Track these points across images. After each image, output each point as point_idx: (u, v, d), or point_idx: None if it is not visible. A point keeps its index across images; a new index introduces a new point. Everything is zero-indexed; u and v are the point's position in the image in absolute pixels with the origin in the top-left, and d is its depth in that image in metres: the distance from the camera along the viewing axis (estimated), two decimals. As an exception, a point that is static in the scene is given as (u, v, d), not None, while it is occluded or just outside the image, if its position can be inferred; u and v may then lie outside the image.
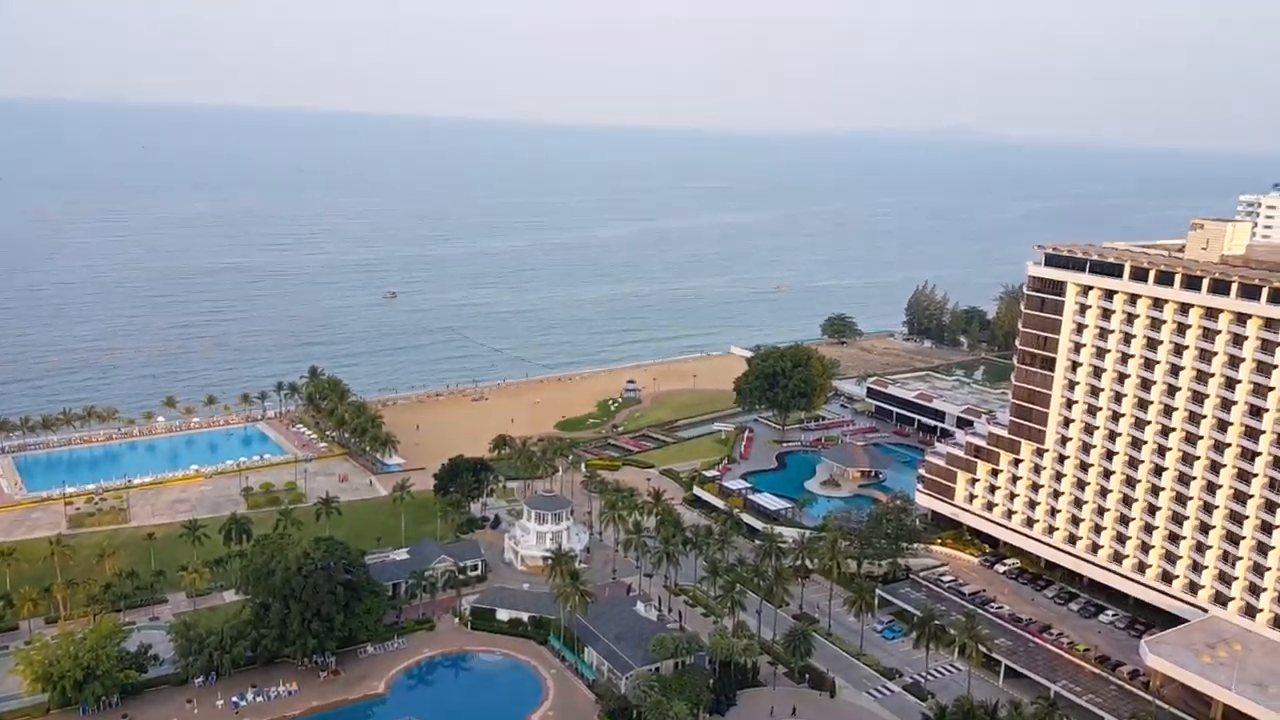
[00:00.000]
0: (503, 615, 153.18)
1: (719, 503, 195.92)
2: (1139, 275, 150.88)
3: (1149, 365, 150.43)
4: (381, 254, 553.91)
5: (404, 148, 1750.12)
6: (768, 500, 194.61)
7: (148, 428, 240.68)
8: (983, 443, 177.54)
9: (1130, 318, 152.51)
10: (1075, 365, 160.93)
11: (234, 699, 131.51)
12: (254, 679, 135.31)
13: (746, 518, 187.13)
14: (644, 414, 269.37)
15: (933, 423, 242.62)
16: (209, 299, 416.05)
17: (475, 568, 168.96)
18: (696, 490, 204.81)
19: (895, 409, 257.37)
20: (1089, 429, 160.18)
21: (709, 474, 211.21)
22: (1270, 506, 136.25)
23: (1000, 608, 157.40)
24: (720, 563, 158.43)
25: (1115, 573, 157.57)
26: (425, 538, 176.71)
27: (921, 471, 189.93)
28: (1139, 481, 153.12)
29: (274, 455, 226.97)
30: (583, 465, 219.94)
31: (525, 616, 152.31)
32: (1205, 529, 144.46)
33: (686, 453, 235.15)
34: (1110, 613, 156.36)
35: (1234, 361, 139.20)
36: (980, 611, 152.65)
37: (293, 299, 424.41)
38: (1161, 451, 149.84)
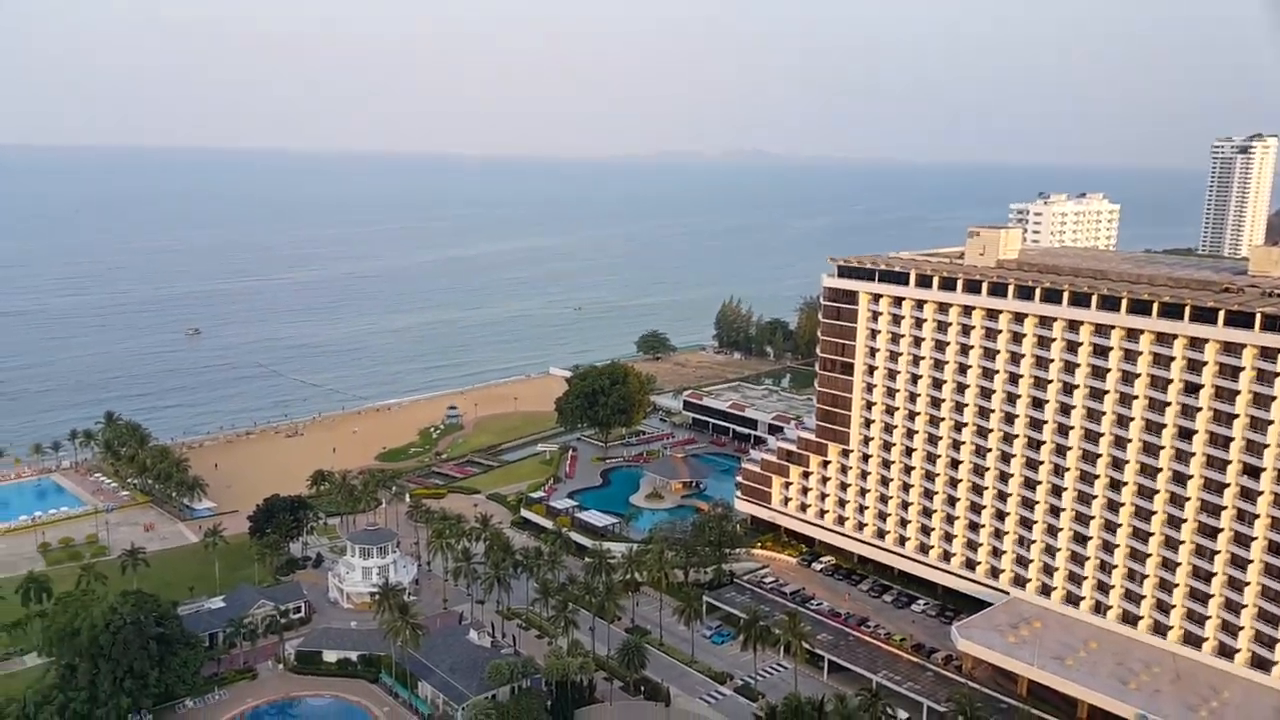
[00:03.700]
0: (330, 656, 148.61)
1: (547, 523, 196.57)
2: (924, 282, 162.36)
3: (938, 365, 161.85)
4: (183, 290, 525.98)
5: (201, 182, 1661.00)
6: (595, 517, 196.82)
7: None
8: (793, 447, 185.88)
9: (918, 322, 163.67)
10: (871, 369, 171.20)
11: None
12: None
13: (575, 536, 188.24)
14: (467, 439, 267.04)
15: (746, 431, 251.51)
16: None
17: (298, 610, 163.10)
18: (524, 512, 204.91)
19: (711, 420, 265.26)
20: (888, 428, 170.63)
21: (535, 495, 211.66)
22: (1056, 491, 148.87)
23: (820, 604, 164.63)
24: (551, 583, 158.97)
25: (923, 563, 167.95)
26: (242, 583, 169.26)
27: (739, 479, 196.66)
28: (938, 475, 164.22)
29: (72, 508, 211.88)
30: (407, 495, 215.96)
31: (354, 656, 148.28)
32: (1001, 516, 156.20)
33: (512, 475, 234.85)
34: (922, 602, 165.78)
35: (1015, 358, 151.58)
36: (802, 610, 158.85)
37: (86, 341, 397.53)
38: (956, 445, 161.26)
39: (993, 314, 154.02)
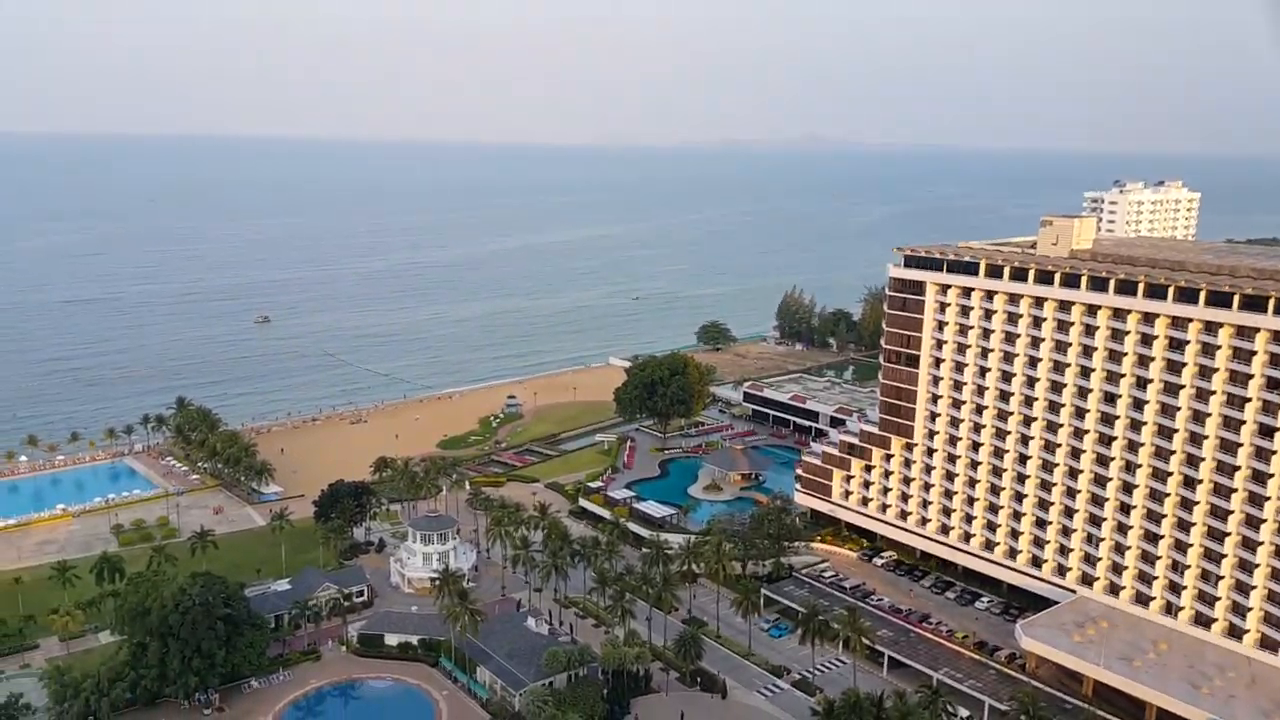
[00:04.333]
0: (391, 640, 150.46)
1: (605, 513, 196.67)
2: (994, 272, 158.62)
3: (1008, 358, 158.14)
4: (250, 278, 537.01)
5: (258, 170, 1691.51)
6: (652, 508, 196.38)
7: (9, 468, 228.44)
8: (855, 440, 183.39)
9: (988, 313, 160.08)
10: (938, 361, 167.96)
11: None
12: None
13: (632, 526, 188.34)
14: (526, 429, 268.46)
15: (807, 423, 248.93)
16: (67, 332, 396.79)
17: (361, 593, 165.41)
18: (582, 502, 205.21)
19: (771, 411, 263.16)
20: (954, 422, 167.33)
21: (593, 485, 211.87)
22: (1127, 488, 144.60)
23: (880, 600, 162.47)
24: (608, 572, 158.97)
25: (987, 560, 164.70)
26: (307, 566, 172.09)
27: (799, 471, 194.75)
28: (1005, 471, 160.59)
29: (144, 490, 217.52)
30: (467, 483, 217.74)
31: (414, 640, 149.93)
32: (1069, 513, 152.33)
33: (570, 465, 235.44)
34: (985, 599, 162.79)
35: (1087, 351, 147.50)
36: (862, 605, 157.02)
37: (157, 328, 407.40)
38: (1024, 441, 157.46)
39: (1065, 306, 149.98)
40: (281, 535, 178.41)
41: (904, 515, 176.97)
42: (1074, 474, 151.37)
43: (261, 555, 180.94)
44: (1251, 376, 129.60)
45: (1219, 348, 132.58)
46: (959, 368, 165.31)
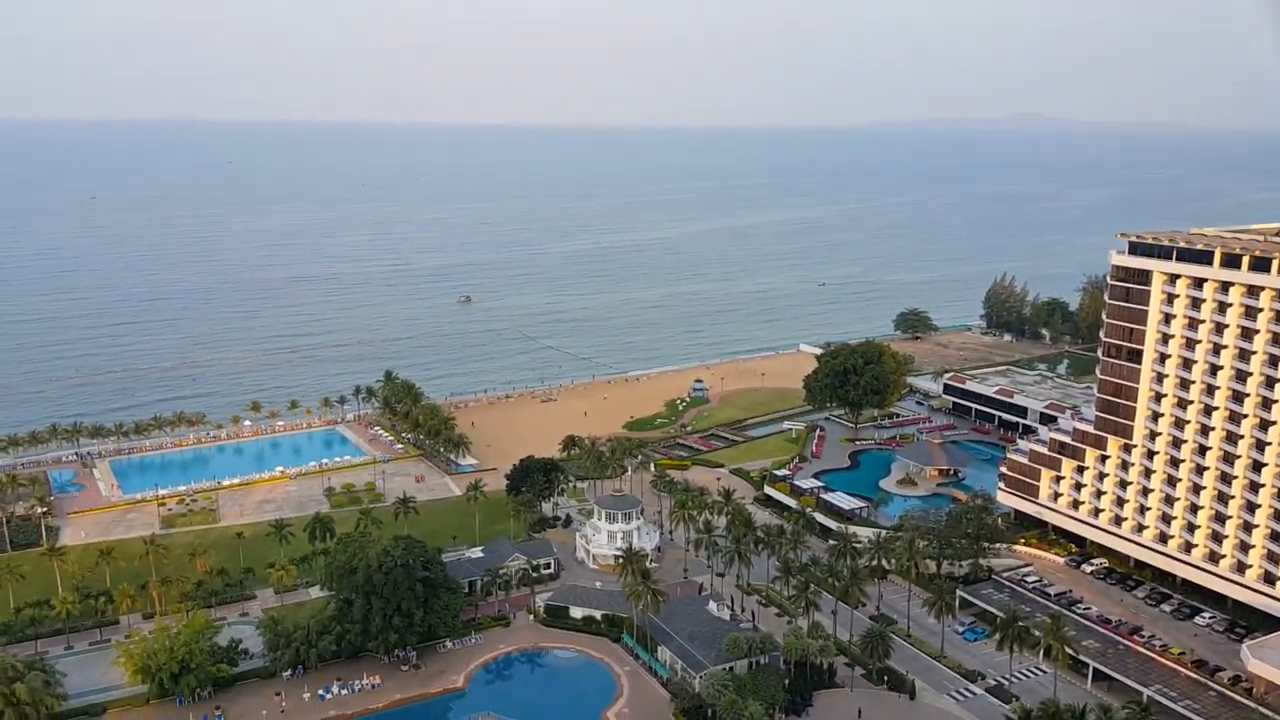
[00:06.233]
0: (576, 613, 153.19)
1: (791, 502, 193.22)
2: (1231, 262, 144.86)
3: (1243, 356, 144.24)
4: (452, 260, 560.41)
5: (439, 157, 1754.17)
6: (841, 499, 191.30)
7: (235, 431, 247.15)
8: (1068, 439, 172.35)
9: (1222, 306, 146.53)
10: (1164, 357, 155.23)
11: (320, 691, 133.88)
12: (339, 672, 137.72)
13: (819, 517, 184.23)
14: (712, 413, 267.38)
15: (1014, 419, 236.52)
16: (290, 307, 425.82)
17: (548, 566, 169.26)
18: (767, 489, 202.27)
19: (974, 405, 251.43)
20: (1179, 423, 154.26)
21: (780, 473, 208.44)
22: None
23: (1088, 609, 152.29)
24: (793, 562, 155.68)
25: (1211, 573, 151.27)
26: (499, 536, 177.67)
27: (1003, 469, 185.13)
28: (1235, 478, 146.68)
29: (354, 457, 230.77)
30: (652, 465, 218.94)
31: (598, 614, 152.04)
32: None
33: (756, 452, 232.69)
34: (1207, 615, 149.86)
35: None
36: (1067, 613, 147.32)
37: (369, 307, 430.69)
38: (1259, 446, 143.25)
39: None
40: (476, 505, 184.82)
41: (1118, 520, 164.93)
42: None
43: (457, 523, 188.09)
44: None
45: None
46: (1186, 364, 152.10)
